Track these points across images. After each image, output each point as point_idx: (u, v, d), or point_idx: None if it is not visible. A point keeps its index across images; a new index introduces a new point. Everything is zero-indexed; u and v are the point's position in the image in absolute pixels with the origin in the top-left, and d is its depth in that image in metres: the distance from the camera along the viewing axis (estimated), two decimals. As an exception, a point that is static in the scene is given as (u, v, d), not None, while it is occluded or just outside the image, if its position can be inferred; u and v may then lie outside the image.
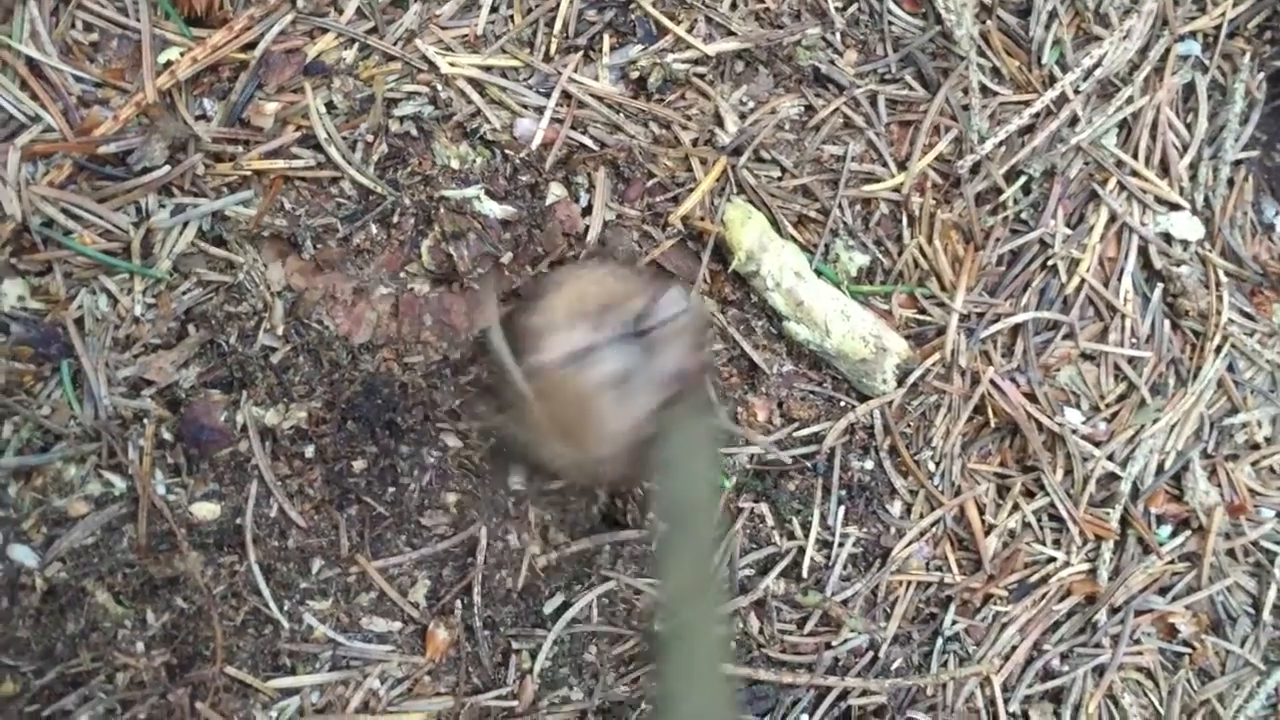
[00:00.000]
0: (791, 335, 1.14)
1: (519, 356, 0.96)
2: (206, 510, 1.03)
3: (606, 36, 1.12)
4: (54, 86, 1.03)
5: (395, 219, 1.07)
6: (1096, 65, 1.21)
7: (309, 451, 1.04)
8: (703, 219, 1.12)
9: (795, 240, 1.15)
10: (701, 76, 1.13)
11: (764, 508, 1.15)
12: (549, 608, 1.09)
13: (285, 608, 1.04)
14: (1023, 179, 1.21)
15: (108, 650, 1.00)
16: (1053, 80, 1.21)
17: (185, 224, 1.04)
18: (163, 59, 1.04)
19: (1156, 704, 1.25)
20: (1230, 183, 1.27)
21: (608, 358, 0.95)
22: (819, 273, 1.15)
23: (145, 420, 1.01)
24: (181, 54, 1.04)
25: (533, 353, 0.96)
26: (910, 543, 1.18)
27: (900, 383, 1.16)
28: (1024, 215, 1.22)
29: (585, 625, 1.10)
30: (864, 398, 1.17)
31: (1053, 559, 1.21)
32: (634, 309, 0.97)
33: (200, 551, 1.02)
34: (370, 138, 1.07)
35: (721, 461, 1.14)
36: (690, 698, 0.80)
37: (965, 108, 1.19)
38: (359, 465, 1.05)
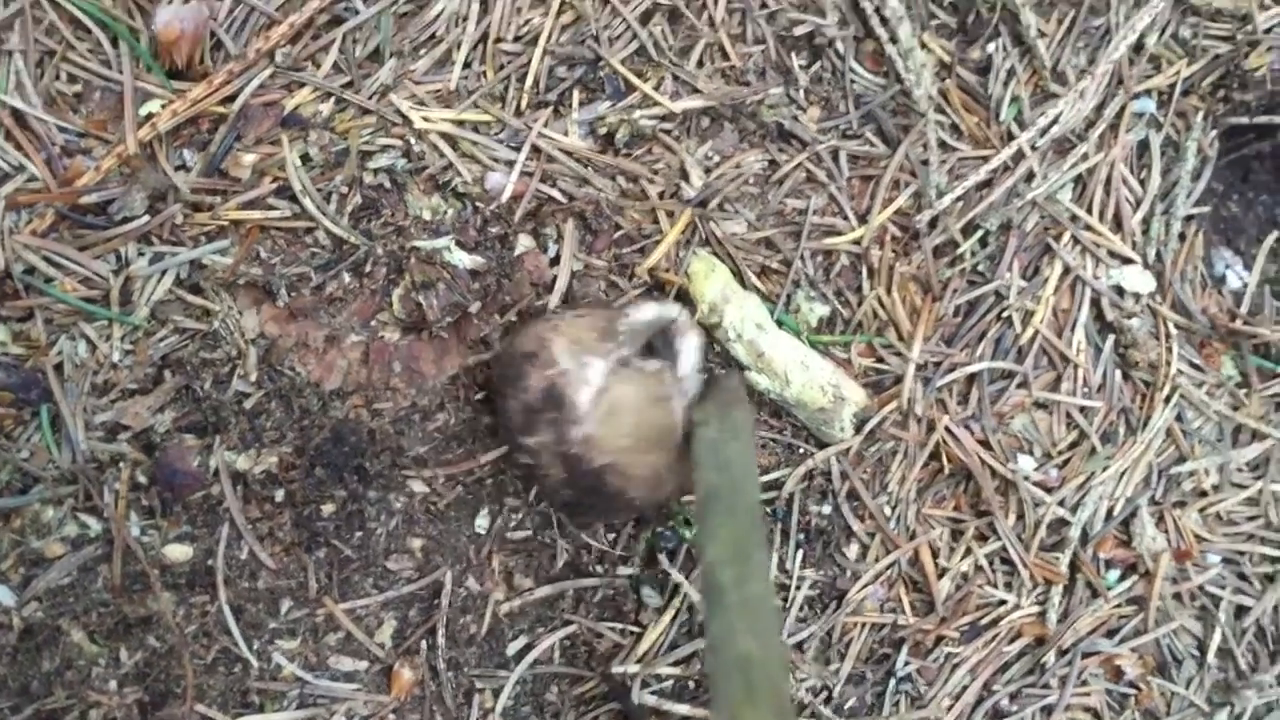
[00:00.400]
0: (752, 384, 1.17)
1: (535, 423, 1.00)
2: (179, 552, 1.06)
3: (576, 93, 1.15)
4: (38, 137, 1.06)
5: (368, 268, 1.10)
6: (1053, 122, 1.25)
7: (279, 495, 1.08)
8: (668, 270, 1.15)
9: (758, 290, 1.18)
10: (668, 132, 1.16)
11: (723, 551, 1.18)
12: (512, 649, 1.13)
13: (255, 647, 1.08)
14: (980, 232, 1.24)
15: (82, 688, 1.03)
16: (1010, 137, 1.25)
17: (163, 272, 1.07)
18: (144, 111, 1.07)
19: (1104, 742, 1.29)
20: (1181, 237, 1.31)
21: (634, 375, 1.02)
22: (780, 323, 1.18)
23: (121, 464, 1.05)
24: (162, 106, 1.07)
25: (561, 406, 0.99)
26: (865, 585, 1.21)
27: (858, 430, 1.19)
28: (980, 268, 1.25)
29: (547, 666, 1.14)
30: (822, 445, 1.21)
31: (1004, 601, 1.25)
32: (628, 325, 1.03)
33: (172, 592, 1.06)
34: (345, 189, 1.10)
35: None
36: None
37: (924, 163, 1.22)
38: (328, 509, 1.08)
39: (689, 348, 1.08)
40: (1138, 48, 1.29)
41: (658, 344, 1.09)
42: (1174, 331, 1.29)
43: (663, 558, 1.15)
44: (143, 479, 1.05)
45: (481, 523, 1.13)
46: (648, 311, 1.07)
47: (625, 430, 0.99)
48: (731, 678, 0.69)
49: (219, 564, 1.06)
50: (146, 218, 1.06)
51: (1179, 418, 1.29)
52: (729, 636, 0.72)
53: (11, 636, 1.02)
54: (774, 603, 0.79)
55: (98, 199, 1.05)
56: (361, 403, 1.10)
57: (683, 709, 1.14)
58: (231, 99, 1.09)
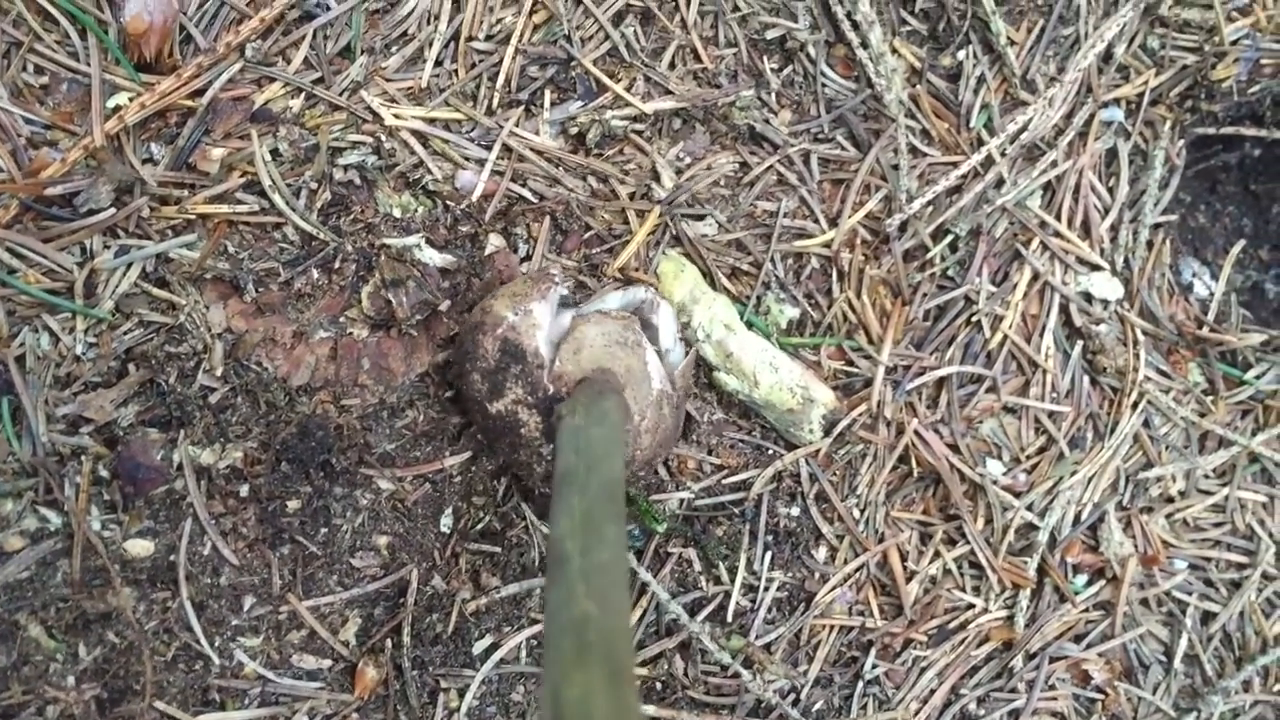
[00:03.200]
0: (721, 385, 1.17)
1: (500, 384, 1.01)
2: (140, 547, 1.05)
3: (548, 92, 1.15)
4: (3, 128, 1.05)
5: (337, 265, 1.09)
6: (1023, 129, 1.26)
7: (244, 491, 1.07)
8: (638, 270, 1.15)
9: (728, 292, 1.19)
10: (639, 133, 1.17)
11: (692, 552, 1.18)
12: (478, 648, 1.12)
13: (216, 644, 1.06)
14: (949, 237, 1.25)
15: (39, 683, 1.02)
16: (980, 143, 1.26)
17: (129, 265, 1.06)
18: (112, 103, 1.07)
19: (1071, 748, 1.29)
20: (1149, 245, 1.32)
21: (598, 317, 1.05)
22: (750, 324, 1.18)
23: (83, 457, 1.03)
24: (130, 99, 1.07)
25: (524, 344, 1.01)
26: (834, 588, 1.21)
27: (827, 433, 1.19)
28: (950, 272, 1.26)
29: (513, 666, 1.13)
30: (791, 446, 1.21)
31: (972, 605, 1.25)
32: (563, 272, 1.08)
33: (133, 587, 1.04)
34: (314, 185, 1.10)
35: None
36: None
37: (895, 168, 1.23)
38: (293, 505, 1.07)
39: (665, 320, 1.09)
40: (1106, 57, 1.30)
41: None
42: (1141, 338, 1.29)
43: (630, 556, 1.14)
44: (104, 473, 1.04)
45: (447, 521, 1.12)
46: (613, 300, 1.08)
47: (596, 366, 1.01)
48: (565, 638, 0.64)
49: (181, 559, 1.05)
50: (112, 210, 1.05)
51: (1146, 424, 1.30)
52: (568, 600, 0.68)
53: (-32, 632, 1.01)
54: (623, 572, 0.75)
55: (63, 191, 1.04)
56: (329, 399, 1.09)
57: (650, 709, 1.13)
58: (200, 93, 1.08)
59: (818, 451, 1.20)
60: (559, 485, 0.83)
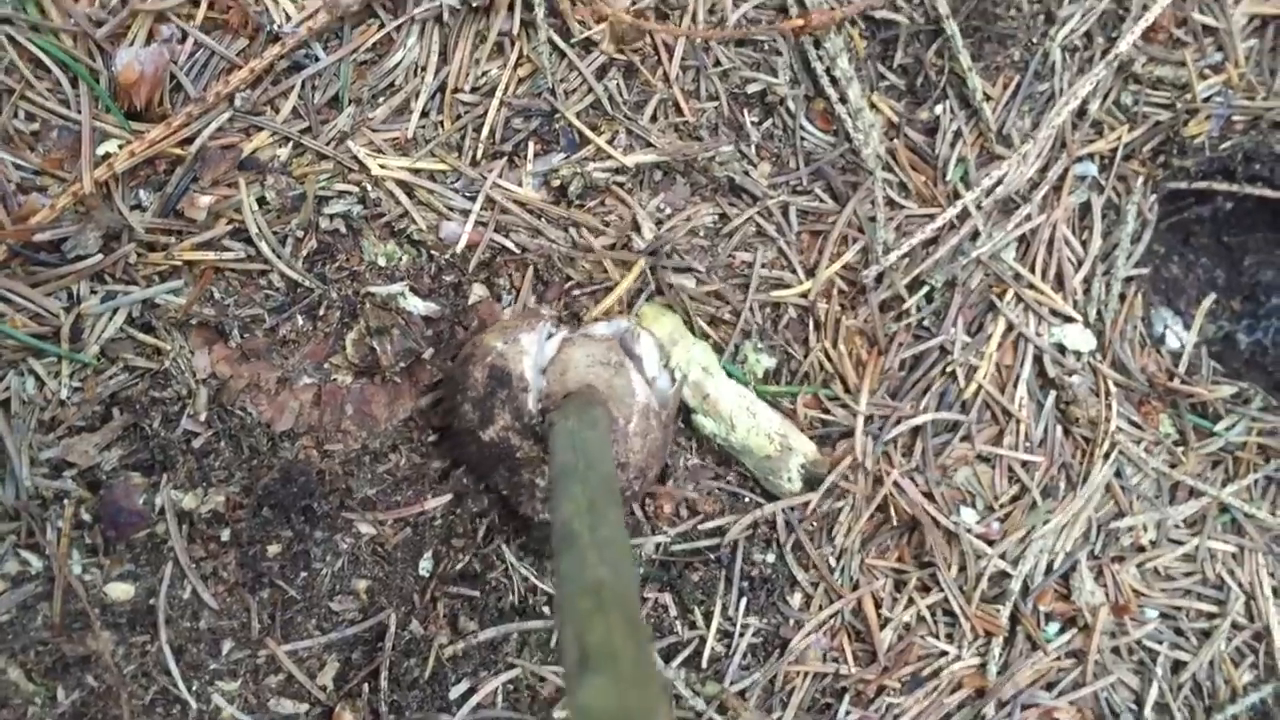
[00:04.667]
0: (698, 428, 1.19)
1: (490, 410, 1.06)
2: (121, 590, 1.06)
3: (531, 144, 1.17)
4: (-7, 174, 1.06)
5: (321, 312, 1.11)
6: (998, 183, 1.28)
7: (225, 535, 1.08)
8: (620, 313, 1.17)
9: (708, 339, 1.20)
10: (621, 185, 1.19)
11: (668, 597, 1.19)
12: (454, 693, 1.13)
13: (194, 688, 1.07)
14: (925, 288, 1.27)
15: (17, 726, 1.02)
16: (956, 196, 1.28)
17: (115, 310, 1.08)
18: (101, 150, 1.08)
19: (1042, 795, 1.30)
20: (1122, 298, 1.34)
21: (583, 340, 1.10)
22: (728, 373, 1.20)
23: (65, 501, 1.05)
24: (120, 146, 1.08)
25: (512, 370, 1.05)
26: (809, 634, 1.23)
27: (807, 484, 1.21)
28: (926, 323, 1.28)
29: (490, 711, 1.14)
30: (768, 494, 1.22)
31: (945, 653, 1.27)
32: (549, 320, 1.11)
33: (113, 631, 1.05)
34: (300, 233, 1.12)
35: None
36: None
37: (872, 220, 1.25)
38: (273, 550, 1.09)
39: (648, 349, 1.11)
40: (1080, 113, 1.33)
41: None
42: (1114, 389, 1.31)
43: (607, 604, 1.16)
44: (87, 516, 1.05)
45: (426, 564, 1.13)
46: (598, 329, 1.12)
47: (582, 383, 1.05)
48: (582, 599, 0.69)
49: (161, 603, 1.06)
50: (100, 256, 1.07)
51: (1118, 474, 1.32)
52: (580, 568, 0.73)
53: (-53, 674, 1.01)
54: (628, 548, 0.80)
55: (51, 236, 1.06)
56: (312, 444, 1.10)
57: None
58: (189, 141, 1.10)
59: (806, 504, 1.21)
60: (559, 479, 0.86)
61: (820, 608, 1.24)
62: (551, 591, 1.17)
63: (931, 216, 1.27)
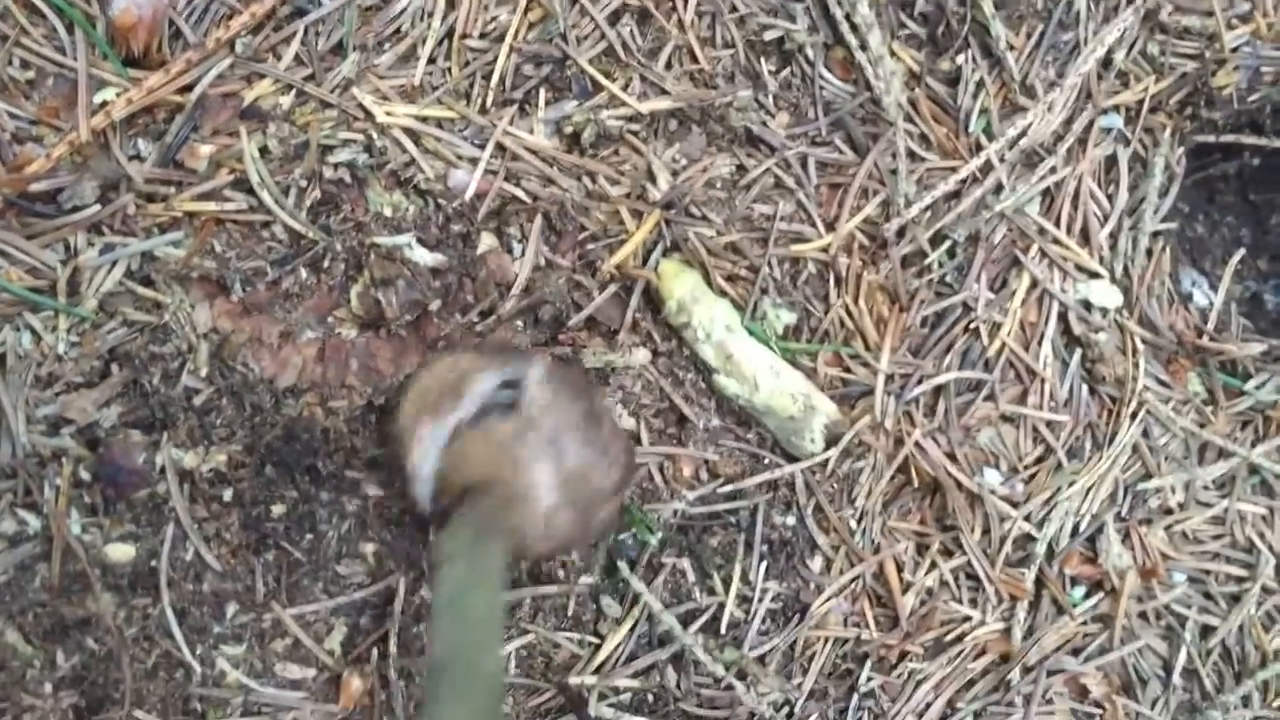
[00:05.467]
0: (720, 389, 1.15)
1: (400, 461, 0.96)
2: (121, 551, 1.02)
3: (542, 91, 1.13)
4: (-14, 122, 1.03)
5: (325, 264, 1.07)
6: (1021, 135, 1.25)
7: (227, 495, 1.04)
8: (636, 267, 1.14)
9: (726, 297, 1.17)
10: (635, 133, 1.15)
11: (686, 562, 1.16)
12: (466, 657, 1.09)
13: (198, 652, 1.04)
14: (947, 243, 1.23)
15: (15, 690, 0.99)
16: (979, 148, 1.25)
17: (113, 263, 1.04)
18: (98, 99, 1.05)
19: (1068, 763, 1.27)
20: (1149, 253, 1.30)
21: (492, 421, 0.94)
22: (748, 331, 1.16)
23: (63, 459, 1.01)
24: (117, 94, 1.05)
25: (406, 454, 0.95)
26: (829, 599, 1.19)
27: (830, 446, 1.17)
28: (948, 279, 1.24)
29: (502, 677, 1.10)
30: (789, 455, 1.19)
31: (968, 618, 1.23)
32: (494, 380, 0.95)
33: (113, 593, 1.02)
34: (303, 183, 1.08)
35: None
36: None
37: (893, 172, 1.22)
38: (277, 510, 1.05)
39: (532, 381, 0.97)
40: (1106, 63, 1.29)
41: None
42: (1141, 347, 1.28)
43: (623, 566, 1.12)
44: (85, 475, 1.02)
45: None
46: (489, 381, 0.96)
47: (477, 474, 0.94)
48: None
49: (163, 565, 1.03)
50: (97, 207, 1.03)
51: (1145, 434, 1.28)
52: None
53: (-58, 637, 0.98)
54: None
55: (47, 187, 1.02)
56: (316, 401, 1.07)
57: (641, 722, 1.11)
58: (189, 89, 1.06)
59: (825, 463, 1.18)
60: (436, 677, 0.76)
61: (841, 572, 1.20)
62: (567, 557, 1.13)
63: (954, 169, 1.23)
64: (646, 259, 1.15)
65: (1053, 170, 1.27)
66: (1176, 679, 1.29)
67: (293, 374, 1.07)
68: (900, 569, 1.22)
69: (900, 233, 1.22)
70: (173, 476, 1.03)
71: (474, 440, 0.94)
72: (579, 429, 0.95)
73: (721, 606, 1.16)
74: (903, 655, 1.22)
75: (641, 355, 1.15)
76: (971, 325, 1.24)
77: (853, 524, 1.20)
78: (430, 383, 0.97)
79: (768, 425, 1.17)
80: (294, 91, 1.09)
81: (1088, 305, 1.27)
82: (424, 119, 1.11)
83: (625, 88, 1.14)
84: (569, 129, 1.13)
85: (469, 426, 0.94)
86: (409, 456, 0.94)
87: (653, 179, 1.15)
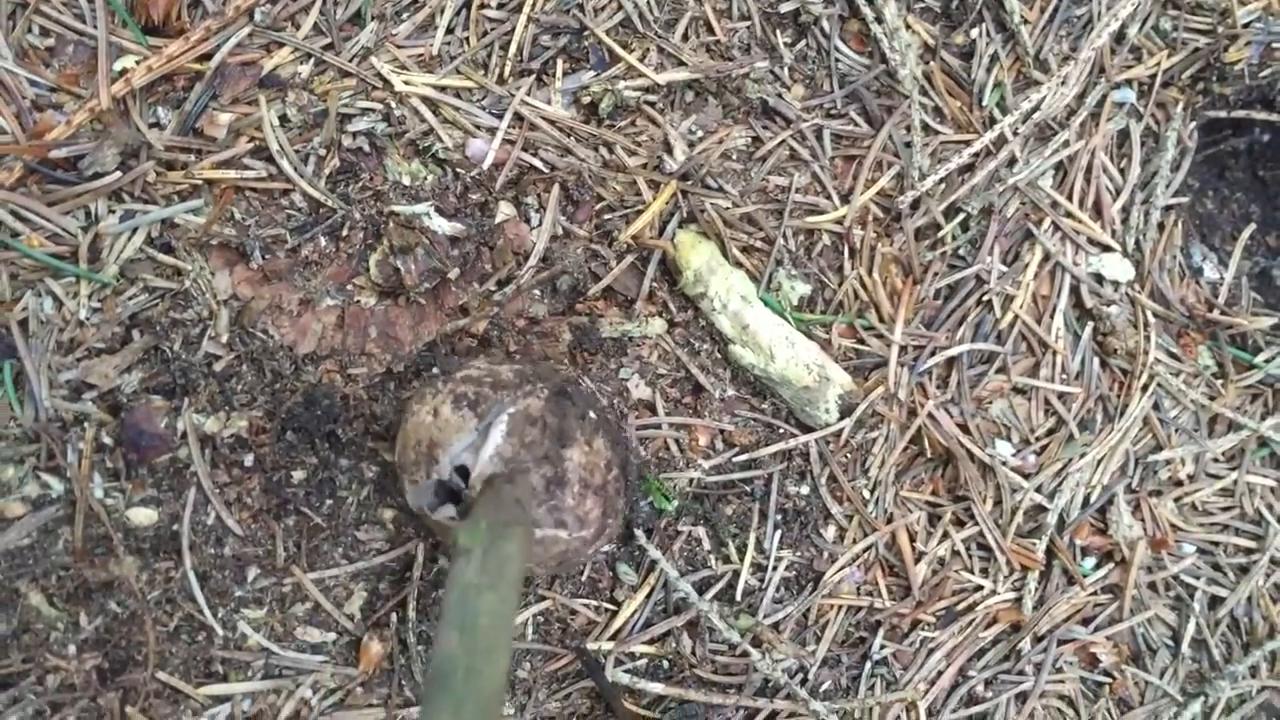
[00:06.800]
0: (736, 359, 1.16)
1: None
2: (144, 515, 1.03)
3: (560, 62, 1.14)
4: (8, 90, 1.03)
5: (345, 232, 1.08)
6: (1035, 109, 1.25)
7: (248, 460, 1.05)
8: (653, 238, 1.14)
9: (742, 267, 1.17)
10: (652, 104, 1.15)
11: (701, 531, 1.17)
12: (484, 622, 1.10)
13: (219, 615, 1.05)
14: (961, 216, 1.24)
15: (39, 652, 1.00)
16: (992, 121, 1.25)
17: (134, 230, 1.04)
18: (118, 66, 1.05)
19: (1078, 732, 1.28)
20: (1160, 227, 1.31)
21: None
22: (764, 301, 1.17)
23: (85, 424, 1.02)
24: (137, 62, 1.05)
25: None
26: (842, 567, 1.20)
27: (844, 415, 1.18)
28: (961, 251, 1.25)
29: (520, 643, 1.11)
30: (804, 425, 1.19)
31: (980, 587, 1.24)
32: (465, 441, 0.95)
33: (136, 556, 1.03)
34: (323, 151, 1.08)
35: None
36: None
37: (907, 145, 1.22)
38: (298, 476, 1.06)
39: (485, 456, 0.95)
40: (1119, 37, 1.29)
41: None
42: (1152, 320, 1.29)
43: (639, 533, 1.13)
44: (108, 440, 1.02)
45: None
46: (460, 444, 0.95)
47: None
48: None
49: (184, 529, 1.03)
50: (118, 174, 1.03)
51: (1156, 406, 1.29)
52: None
53: (-34, 599, 0.99)
54: None
55: (68, 154, 1.03)
56: (335, 368, 1.07)
57: (657, 687, 1.12)
58: (208, 57, 1.07)
59: (839, 433, 1.18)
60: (434, 684, 0.73)
61: (854, 541, 1.21)
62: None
63: (968, 142, 1.24)
64: (663, 229, 1.15)
65: (1066, 144, 1.27)
66: (1185, 649, 1.30)
67: (312, 341, 1.07)
68: (913, 538, 1.23)
69: (914, 205, 1.23)
70: (194, 441, 1.04)
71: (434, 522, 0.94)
72: (539, 499, 0.94)
73: (736, 574, 1.17)
74: (915, 624, 1.23)
75: (658, 325, 1.16)
76: (984, 298, 1.25)
77: (866, 494, 1.21)
78: (411, 435, 0.97)
79: (783, 395, 1.18)
80: (313, 60, 1.09)
81: (1100, 278, 1.28)
82: (442, 88, 1.11)
83: (642, 58, 1.15)
84: (586, 99, 1.13)
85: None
86: (408, 497, 0.98)
87: (669, 150, 1.15)
